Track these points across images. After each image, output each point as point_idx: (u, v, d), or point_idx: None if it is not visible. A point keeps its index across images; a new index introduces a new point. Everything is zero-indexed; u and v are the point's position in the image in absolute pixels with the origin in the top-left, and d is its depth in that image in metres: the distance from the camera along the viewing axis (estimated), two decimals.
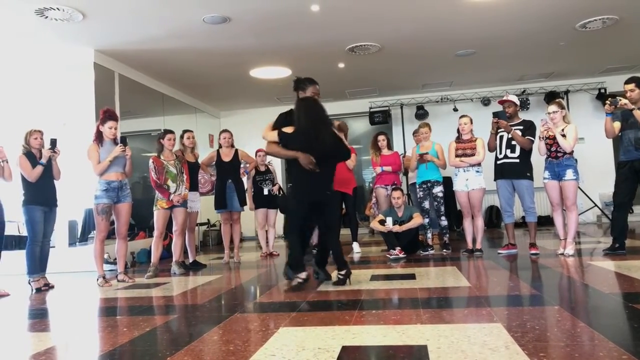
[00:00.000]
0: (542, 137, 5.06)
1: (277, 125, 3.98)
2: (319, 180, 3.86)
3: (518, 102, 5.52)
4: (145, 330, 2.87)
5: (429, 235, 6.09)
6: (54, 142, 4.82)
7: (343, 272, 3.87)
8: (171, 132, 5.46)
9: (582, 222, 9.10)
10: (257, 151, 6.72)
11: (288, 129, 3.85)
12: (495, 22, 6.24)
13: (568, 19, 6.30)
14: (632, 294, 3.21)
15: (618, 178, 5.01)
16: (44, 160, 4.75)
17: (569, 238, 5.00)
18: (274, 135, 3.89)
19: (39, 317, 3.67)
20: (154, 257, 5.33)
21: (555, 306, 2.89)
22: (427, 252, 5.88)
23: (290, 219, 4.01)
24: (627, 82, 4.88)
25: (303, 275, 3.80)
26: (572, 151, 5.01)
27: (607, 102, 4.87)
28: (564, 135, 4.91)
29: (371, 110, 9.88)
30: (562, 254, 4.97)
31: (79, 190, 6.08)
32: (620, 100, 4.73)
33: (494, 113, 5.29)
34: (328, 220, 3.98)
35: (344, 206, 6.36)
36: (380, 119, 9.70)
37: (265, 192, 6.56)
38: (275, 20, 5.87)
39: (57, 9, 5.13)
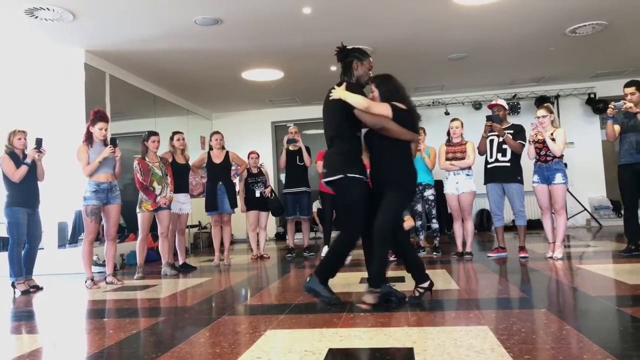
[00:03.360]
0: (532, 141, 5.09)
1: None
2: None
3: (507, 107, 5.58)
4: (132, 333, 2.86)
5: (421, 237, 6.14)
6: (39, 142, 4.77)
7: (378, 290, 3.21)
8: (155, 133, 5.45)
9: (572, 225, 9.16)
10: (250, 153, 6.72)
11: (400, 105, 3.22)
12: (487, 26, 6.28)
13: (558, 24, 6.34)
14: (619, 297, 3.23)
15: (622, 181, 5.06)
16: (28, 160, 4.70)
17: (558, 241, 5.03)
18: (386, 108, 3.17)
19: (24, 320, 3.63)
20: (139, 258, 5.34)
21: (542, 309, 2.90)
22: (419, 254, 5.90)
23: (395, 217, 3.24)
24: (627, 85, 4.93)
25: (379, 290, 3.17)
26: (562, 155, 5.05)
27: (610, 105, 4.91)
28: (553, 140, 4.94)
29: None
30: (551, 257, 5.00)
31: (69, 191, 6.03)
32: (625, 103, 4.76)
33: (487, 117, 5.32)
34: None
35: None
36: None
37: (257, 194, 6.55)
38: (267, 23, 5.87)
39: (47, 9, 5.10)
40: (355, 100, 3.17)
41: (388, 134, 3.17)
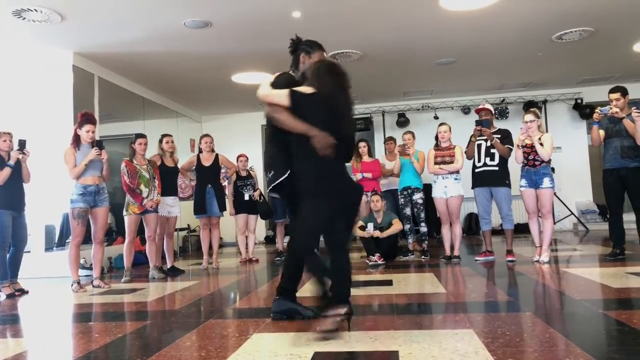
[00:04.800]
0: (520, 146, 5.14)
1: (279, 87, 2.81)
2: (344, 175, 2.85)
3: (493, 111, 5.65)
4: (117, 336, 2.84)
5: (410, 240, 6.18)
6: (22, 144, 4.74)
7: (343, 311, 2.53)
8: (142, 136, 5.43)
9: (559, 229, 9.24)
10: (239, 156, 6.71)
11: (305, 89, 2.74)
12: (475, 32, 6.34)
13: (544, 31, 6.42)
14: (602, 300, 3.28)
15: (606, 187, 5.13)
16: (12, 162, 4.66)
17: (544, 245, 5.07)
18: (283, 96, 2.70)
19: (8, 323, 3.59)
20: (127, 262, 5.32)
21: (527, 312, 2.93)
22: (407, 257, 5.94)
23: (307, 230, 2.70)
24: (612, 91, 4.99)
25: (343, 309, 2.53)
26: (550, 159, 5.10)
27: (597, 110, 4.97)
28: (541, 144, 4.99)
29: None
30: (538, 261, 5.04)
31: (57, 194, 5.98)
32: (611, 109, 4.82)
33: (477, 121, 5.37)
34: (340, 235, 2.78)
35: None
36: (362, 126, 9.74)
37: (246, 197, 6.54)
38: (257, 26, 5.87)
39: (35, 10, 5.07)
40: (258, 92, 2.82)
41: (278, 124, 2.75)
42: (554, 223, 9.13)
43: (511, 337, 2.40)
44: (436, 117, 9.53)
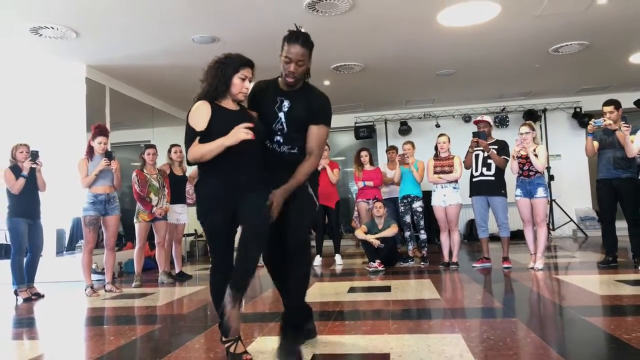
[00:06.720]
0: (516, 157, 5.33)
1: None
2: None
3: (492, 123, 5.85)
4: (130, 339, 3.05)
5: (410, 247, 6.38)
6: (35, 155, 5.01)
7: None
8: (152, 146, 5.70)
9: (559, 236, 9.40)
10: None
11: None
12: (472, 46, 6.53)
13: (541, 44, 6.60)
14: (587, 307, 3.44)
15: (600, 197, 5.30)
16: (25, 172, 4.92)
17: (539, 253, 5.25)
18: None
19: (25, 326, 3.82)
20: (137, 267, 5.56)
21: (514, 319, 3.12)
22: (407, 263, 6.13)
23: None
24: (605, 104, 5.15)
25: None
26: (549, 167, 5.27)
27: (590, 122, 5.15)
28: (536, 155, 5.18)
29: (356, 125, 10.13)
30: (532, 268, 5.22)
31: (67, 200, 6.24)
32: (604, 120, 5.00)
33: (474, 133, 5.57)
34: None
35: (327, 219, 6.70)
36: (365, 134, 9.96)
37: None
38: (263, 41, 6.05)
39: (52, 27, 5.32)
40: None
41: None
42: (554, 229, 9.34)
43: (495, 341, 2.59)
44: (438, 126, 9.71)
